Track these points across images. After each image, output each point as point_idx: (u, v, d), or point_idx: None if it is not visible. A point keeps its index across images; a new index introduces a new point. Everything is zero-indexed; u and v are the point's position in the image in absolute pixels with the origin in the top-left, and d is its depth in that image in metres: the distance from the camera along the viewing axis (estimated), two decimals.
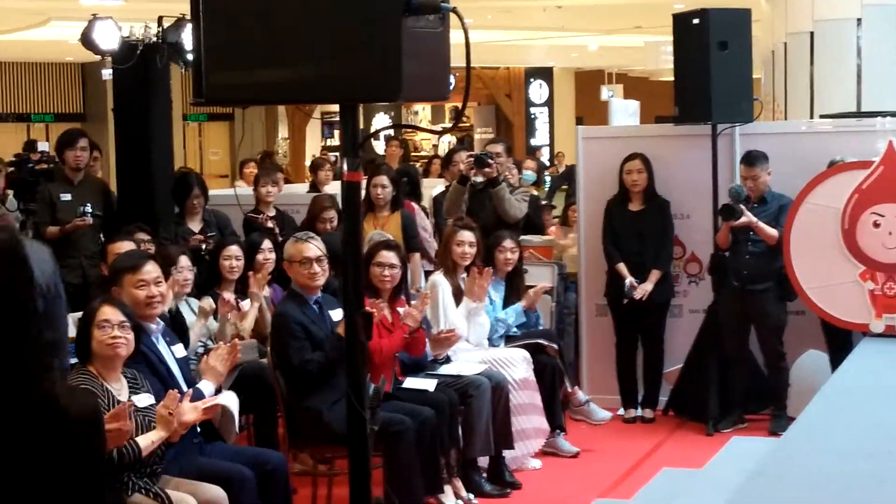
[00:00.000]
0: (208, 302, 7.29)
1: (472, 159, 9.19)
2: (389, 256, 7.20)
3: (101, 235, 9.22)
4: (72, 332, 5.93)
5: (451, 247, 8.01)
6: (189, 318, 7.20)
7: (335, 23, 3.33)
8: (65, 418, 2.37)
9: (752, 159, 8.52)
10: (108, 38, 9.33)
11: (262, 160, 16.60)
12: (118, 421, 4.78)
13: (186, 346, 6.42)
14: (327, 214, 8.97)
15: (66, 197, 8.93)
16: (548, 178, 20.44)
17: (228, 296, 7.66)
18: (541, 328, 8.39)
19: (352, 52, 3.33)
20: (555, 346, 8.18)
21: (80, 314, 5.62)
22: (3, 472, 2.31)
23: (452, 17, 3.44)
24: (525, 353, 7.83)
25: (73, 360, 5.33)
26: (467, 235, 8.01)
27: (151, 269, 5.94)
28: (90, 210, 8.95)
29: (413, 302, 7.22)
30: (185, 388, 5.67)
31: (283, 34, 3.37)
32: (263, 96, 3.74)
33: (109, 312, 5.23)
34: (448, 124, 29.33)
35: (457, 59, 3.57)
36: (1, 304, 2.33)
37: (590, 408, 8.45)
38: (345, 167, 3.54)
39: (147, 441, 5.06)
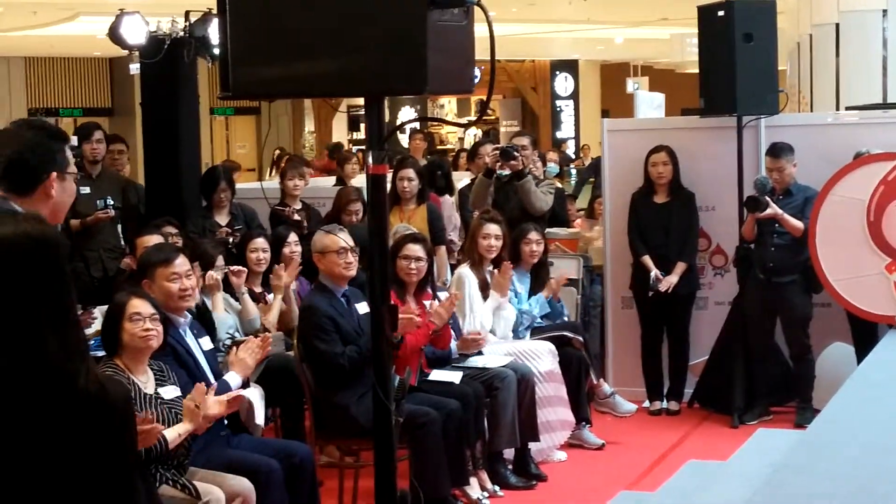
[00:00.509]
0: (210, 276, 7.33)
1: (497, 152, 9.21)
2: (416, 249, 7.21)
3: (120, 229, 9.31)
4: (97, 324, 6.00)
5: (478, 240, 8.03)
6: (218, 311, 7.23)
7: (360, 16, 3.34)
8: (106, 404, 2.42)
9: (778, 151, 8.51)
10: (136, 33, 9.38)
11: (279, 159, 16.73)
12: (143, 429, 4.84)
13: (213, 339, 6.47)
14: (353, 207, 9.02)
15: (86, 190, 8.94)
16: (573, 171, 20.42)
17: (256, 289, 7.74)
18: (566, 319, 8.41)
19: (377, 46, 3.34)
20: (580, 338, 8.19)
21: (105, 307, 5.68)
22: (48, 457, 2.37)
23: (477, 10, 3.45)
24: (550, 346, 7.84)
25: (101, 353, 5.39)
26: (493, 228, 8.03)
27: (183, 262, 6.03)
28: (111, 203, 9.00)
29: (440, 300, 7.22)
30: (212, 380, 5.72)
31: (309, 28, 3.39)
32: (289, 90, 3.77)
33: (140, 305, 5.27)
34: (473, 117, 29.34)
35: (482, 52, 3.59)
36: (49, 291, 2.39)
37: (615, 400, 8.46)
38: (370, 160, 3.55)
39: (174, 434, 5.10)
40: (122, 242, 9.33)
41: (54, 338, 2.38)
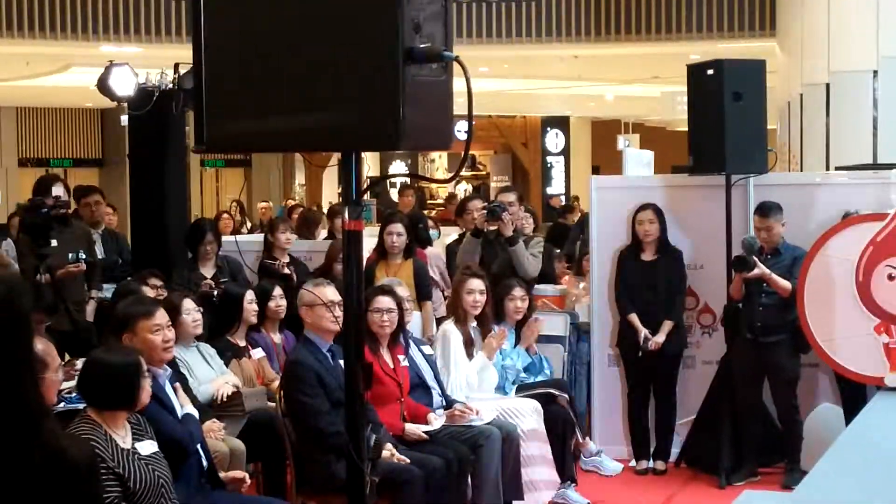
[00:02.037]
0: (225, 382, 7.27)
1: (485, 211, 9.21)
2: (386, 301, 7.16)
3: (86, 283, 9.26)
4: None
5: (462, 295, 7.99)
6: (199, 363, 7.18)
7: (336, 71, 3.31)
8: (66, 465, 2.35)
9: (766, 210, 8.49)
10: (125, 85, 9.39)
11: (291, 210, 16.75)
12: None
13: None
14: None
15: (53, 243, 8.87)
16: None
17: (240, 342, 7.71)
18: (548, 373, 8.36)
19: (352, 101, 3.31)
20: (566, 395, 8.13)
21: (83, 360, 5.62)
22: None
23: (456, 65, 3.42)
24: (535, 404, 7.77)
25: (82, 405, 5.32)
26: (477, 283, 8.01)
27: (163, 314, 6.02)
28: (83, 256, 8.92)
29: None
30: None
31: (284, 83, 3.36)
32: (264, 144, 3.73)
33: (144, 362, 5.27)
34: (464, 173, 29.40)
35: (464, 108, 3.56)
36: (3, 356, 2.32)
37: (601, 459, 8.39)
38: (346, 215, 3.51)
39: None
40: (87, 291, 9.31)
41: (32, 386, 2.33)
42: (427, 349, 7.69)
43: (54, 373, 4.83)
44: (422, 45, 3.28)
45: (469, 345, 7.90)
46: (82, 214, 10.27)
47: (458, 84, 3.52)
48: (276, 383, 7.35)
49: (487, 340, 7.80)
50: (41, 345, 4.81)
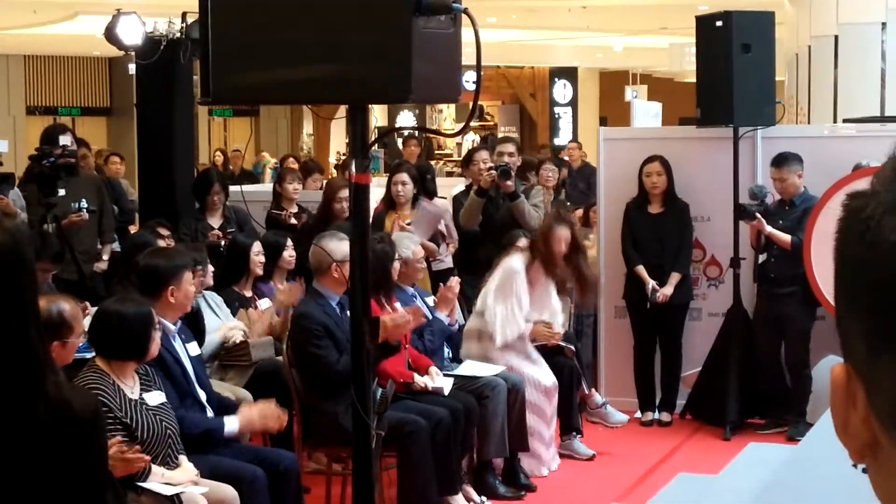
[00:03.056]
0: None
1: (495, 171, 9.04)
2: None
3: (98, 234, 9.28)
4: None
5: (552, 242, 7.81)
6: (207, 312, 7.20)
7: (344, 24, 3.29)
8: (70, 417, 2.36)
9: (781, 160, 8.46)
10: (132, 34, 9.34)
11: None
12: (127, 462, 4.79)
13: (201, 343, 6.43)
14: (343, 194, 8.93)
15: (61, 192, 8.85)
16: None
17: (247, 293, 7.72)
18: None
19: (361, 54, 3.29)
20: (572, 347, 8.14)
21: (94, 309, 5.64)
22: (10, 472, 2.30)
23: (465, 17, 3.40)
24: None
25: (91, 354, 5.34)
26: (565, 232, 7.84)
27: None
28: (86, 205, 8.89)
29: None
30: (197, 388, 5.71)
31: (291, 35, 3.34)
32: (270, 97, 3.72)
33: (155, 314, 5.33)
34: (472, 122, 29.32)
35: (473, 59, 3.55)
36: (8, 307, 2.31)
37: (607, 410, 8.41)
38: (353, 168, 3.51)
39: (158, 475, 5.06)
40: (99, 245, 9.32)
41: (37, 337, 2.33)
42: (431, 300, 7.67)
43: (77, 338, 4.87)
44: None
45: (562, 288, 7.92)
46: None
47: (467, 34, 3.51)
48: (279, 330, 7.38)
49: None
50: (68, 307, 4.84)
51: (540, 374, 7.67)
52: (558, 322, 7.96)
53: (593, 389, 8.54)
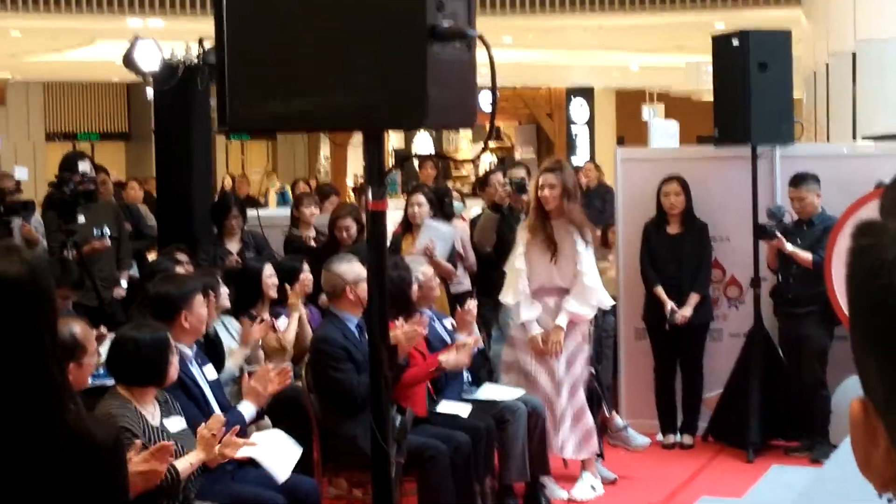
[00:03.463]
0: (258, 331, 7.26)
1: (510, 187, 9.08)
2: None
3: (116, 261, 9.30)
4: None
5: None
6: (225, 337, 7.18)
7: (360, 51, 3.28)
8: (88, 447, 2.34)
9: (799, 180, 8.44)
10: (150, 60, 9.37)
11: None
12: (156, 461, 4.75)
13: (219, 368, 6.41)
14: (343, 223, 8.95)
15: (81, 219, 8.88)
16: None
17: (267, 316, 7.69)
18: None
19: (377, 81, 3.28)
20: (592, 370, 8.10)
21: (112, 335, 5.64)
22: (31, 503, 2.29)
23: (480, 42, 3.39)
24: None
25: (111, 382, 5.34)
26: (550, 178, 7.72)
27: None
28: (107, 232, 8.93)
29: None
30: (217, 410, 5.68)
31: (308, 62, 3.34)
32: (287, 125, 3.73)
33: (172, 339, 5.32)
34: (490, 144, 29.34)
35: (492, 84, 3.55)
36: (26, 338, 2.30)
37: (628, 433, 8.36)
38: (370, 195, 3.49)
39: (185, 464, 5.05)
40: (117, 271, 9.34)
41: (57, 368, 2.32)
42: (449, 323, 7.64)
43: (91, 357, 4.87)
44: (445, 24, 3.25)
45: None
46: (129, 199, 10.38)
47: (482, 55, 3.50)
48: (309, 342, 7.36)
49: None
50: (79, 328, 4.83)
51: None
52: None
53: (614, 412, 8.49)
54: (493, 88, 3.18)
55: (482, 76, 3.58)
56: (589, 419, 7.63)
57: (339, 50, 3.30)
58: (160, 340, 5.23)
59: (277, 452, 5.80)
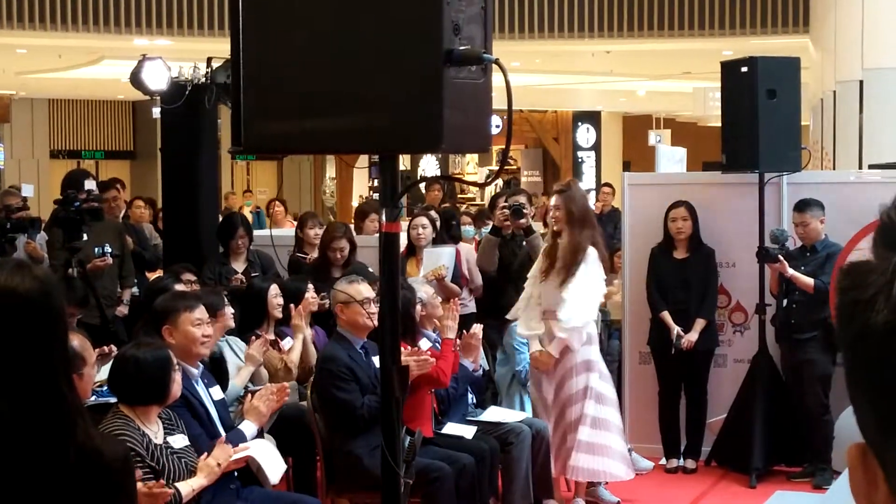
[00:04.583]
0: (257, 348, 7.26)
1: (507, 211, 9.13)
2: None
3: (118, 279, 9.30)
4: (103, 373, 5.94)
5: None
6: (230, 356, 7.19)
7: (375, 74, 3.29)
8: (98, 464, 2.35)
9: (803, 206, 8.45)
10: (157, 79, 9.38)
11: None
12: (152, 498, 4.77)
13: (224, 388, 6.42)
14: (337, 244, 8.93)
15: (84, 237, 8.87)
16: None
17: (269, 336, 7.69)
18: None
19: (392, 103, 3.29)
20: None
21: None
22: None
23: (495, 66, 3.40)
24: None
25: (113, 399, 5.34)
26: (555, 199, 7.79)
27: (203, 310, 6.08)
28: (109, 250, 8.93)
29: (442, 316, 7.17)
30: (222, 431, 5.68)
31: (324, 84, 3.34)
32: (303, 146, 3.73)
33: (174, 357, 5.29)
34: (495, 167, 29.38)
35: (499, 103, 3.56)
36: (37, 355, 2.31)
37: (632, 457, 8.35)
38: (384, 217, 3.49)
39: (188, 488, 5.05)
40: (119, 289, 9.34)
41: (67, 385, 2.32)
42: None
43: (91, 368, 4.87)
44: (461, 48, 3.26)
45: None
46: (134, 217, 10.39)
47: (495, 79, 3.51)
48: (313, 362, 7.38)
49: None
50: (77, 340, 4.83)
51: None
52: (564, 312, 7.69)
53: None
54: (509, 113, 3.18)
55: (494, 101, 3.59)
56: (574, 439, 7.55)
57: (355, 72, 3.31)
58: (162, 359, 5.24)
59: (270, 457, 5.81)
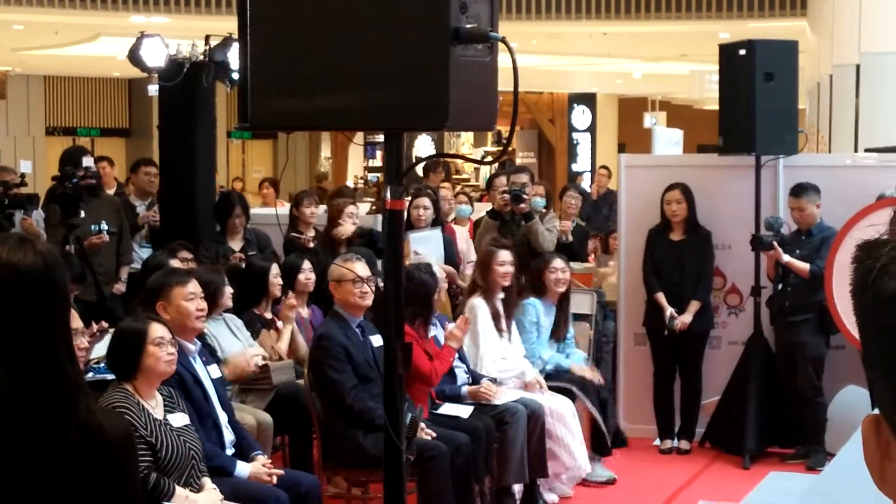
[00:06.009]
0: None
1: (508, 195, 9.15)
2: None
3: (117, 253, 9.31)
4: (101, 349, 5.96)
5: (493, 268, 7.87)
6: (227, 334, 7.20)
7: (382, 52, 3.30)
8: (100, 440, 2.36)
9: (799, 190, 8.47)
10: (155, 56, 9.38)
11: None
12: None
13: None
14: (350, 210, 9.01)
15: (82, 214, 8.86)
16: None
17: (267, 315, 7.73)
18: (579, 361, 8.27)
19: (398, 81, 3.30)
20: (588, 402, 8.04)
21: (111, 331, 5.67)
22: (42, 495, 2.31)
23: (501, 45, 3.41)
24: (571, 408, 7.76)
25: (111, 377, 5.35)
26: (506, 255, 7.91)
27: (196, 284, 6.11)
28: (106, 227, 8.92)
29: (454, 324, 7.20)
30: (219, 409, 5.72)
31: (330, 62, 3.35)
32: (308, 123, 3.74)
33: (162, 330, 5.25)
34: (490, 147, 29.38)
35: (504, 84, 3.57)
36: (39, 330, 2.32)
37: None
38: (388, 194, 3.51)
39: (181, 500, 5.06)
40: (116, 266, 9.34)
41: (69, 360, 2.34)
42: (450, 325, 7.66)
43: (79, 338, 4.88)
44: (468, 26, 3.27)
45: (497, 318, 7.85)
46: (139, 184, 10.32)
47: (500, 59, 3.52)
48: (302, 351, 7.41)
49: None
50: None
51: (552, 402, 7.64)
52: (502, 352, 7.85)
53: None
54: (515, 91, 3.20)
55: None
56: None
57: (362, 50, 3.32)
58: (132, 333, 5.22)
59: None
